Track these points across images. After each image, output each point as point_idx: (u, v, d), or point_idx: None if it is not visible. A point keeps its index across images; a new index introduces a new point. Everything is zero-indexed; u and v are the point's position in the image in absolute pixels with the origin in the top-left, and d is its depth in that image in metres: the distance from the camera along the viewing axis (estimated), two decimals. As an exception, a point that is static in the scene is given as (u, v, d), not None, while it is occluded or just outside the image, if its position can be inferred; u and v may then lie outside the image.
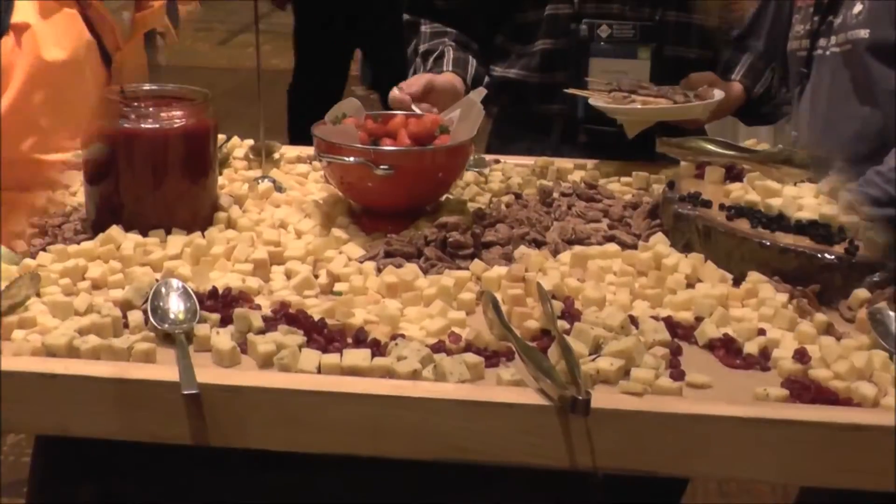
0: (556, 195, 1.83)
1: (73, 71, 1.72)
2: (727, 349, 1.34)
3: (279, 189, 1.83)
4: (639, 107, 1.90)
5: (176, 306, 1.37)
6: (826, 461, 1.17)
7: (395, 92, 1.91)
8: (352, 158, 1.63)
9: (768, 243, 1.51)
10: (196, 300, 1.38)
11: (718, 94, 1.95)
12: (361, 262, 1.55)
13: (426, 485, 1.33)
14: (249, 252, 1.55)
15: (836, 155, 1.73)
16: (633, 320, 1.38)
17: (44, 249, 1.56)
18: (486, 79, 2.12)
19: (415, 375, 1.24)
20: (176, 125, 1.61)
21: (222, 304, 1.40)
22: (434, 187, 1.73)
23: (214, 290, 1.43)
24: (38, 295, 1.42)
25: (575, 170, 1.98)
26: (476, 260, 1.55)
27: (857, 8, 1.80)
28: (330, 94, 4.28)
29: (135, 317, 1.36)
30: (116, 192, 1.62)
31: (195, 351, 1.30)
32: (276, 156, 1.98)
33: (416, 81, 1.92)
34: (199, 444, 1.21)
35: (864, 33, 1.79)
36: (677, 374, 1.27)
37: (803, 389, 1.24)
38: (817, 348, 1.33)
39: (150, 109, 1.63)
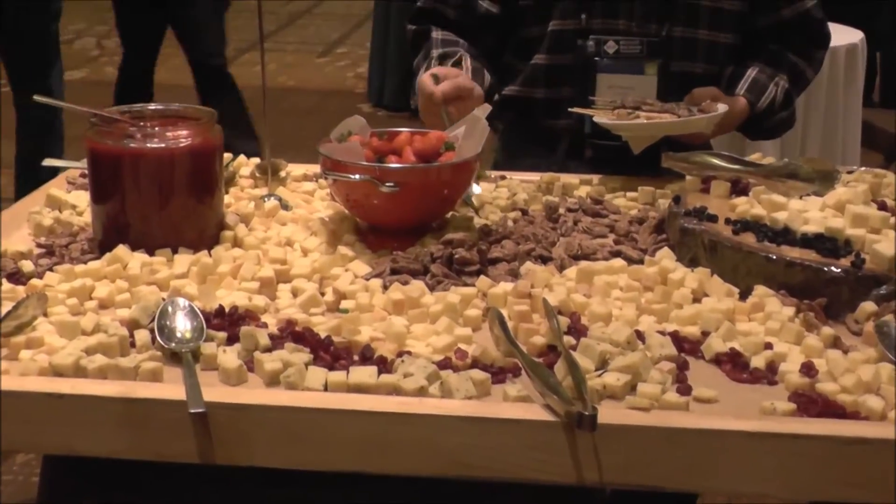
0: (562, 211, 1.83)
1: None
2: (734, 363, 1.34)
3: (285, 207, 1.83)
4: (643, 122, 1.90)
5: (182, 325, 1.37)
6: (834, 475, 1.16)
7: (427, 79, 1.89)
8: (357, 176, 1.63)
9: (774, 257, 1.51)
10: (202, 319, 1.38)
11: (722, 107, 1.95)
12: (367, 280, 1.55)
13: (431, 501, 1.33)
14: (256, 270, 1.55)
15: None
16: (640, 335, 1.38)
17: (51, 269, 1.56)
18: (496, 97, 2.11)
19: (421, 392, 1.24)
20: (182, 144, 1.62)
21: (229, 322, 1.40)
22: (439, 204, 1.73)
23: (221, 308, 1.43)
24: (45, 315, 1.42)
25: (581, 185, 1.98)
26: (482, 276, 1.55)
27: None
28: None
29: (141, 336, 1.36)
30: (123, 212, 1.62)
31: (202, 369, 1.31)
32: (283, 174, 1.98)
33: (455, 79, 1.90)
34: (205, 463, 1.21)
35: None
36: (684, 389, 1.27)
37: (810, 403, 1.24)
38: (824, 362, 1.32)
39: (156, 129, 1.64)
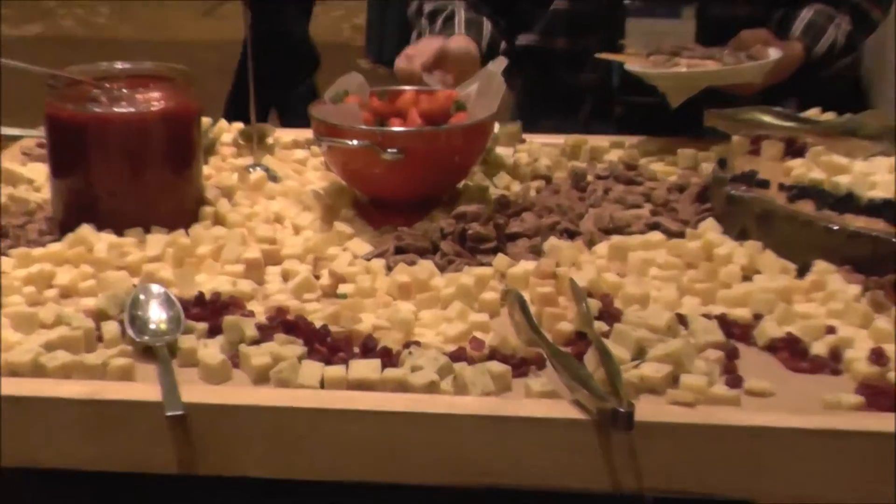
0: (590, 178, 1.83)
1: None
2: (791, 351, 1.33)
3: (273, 178, 1.83)
4: (683, 70, 1.89)
5: (157, 315, 1.37)
6: (908, 477, 1.16)
7: (401, 62, 1.90)
8: (355, 142, 1.63)
9: (836, 228, 1.50)
10: (180, 308, 1.38)
11: (775, 53, 1.93)
12: (369, 260, 1.55)
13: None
14: (241, 251, 1.55)
15: None
16: (682, 319, 1.37)
17: (5, 254, 1.56)
18: (503, 45, 2.11)
19: (432, 388, 1.24)
20: (154, 108, 1.62)
21: (210, 311, 1.40)
22: (450, 173, 1.73)
23: (201, 295, 1.43)
24: (-1, 306, 1.42)
25: (611, 148, 1.98)
26: (500, 254, 1.55)
27: None
28: None
29: (110, 328, 1.36)
30: (87, 187, 1.62)
31: (180, 366, 1.30)
32: (270, 140, 1.98)
33: (425, 49, 1.90)
34: (186, 473, 1.21)
35: None
36: (734, 381, 1.26)
37: (881, 395, 1.23)
38: (896, 347, 1.32)
39: (125, 91, 1.63)
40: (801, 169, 1.63)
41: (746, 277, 1.49)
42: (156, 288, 1.41)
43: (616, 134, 2.03)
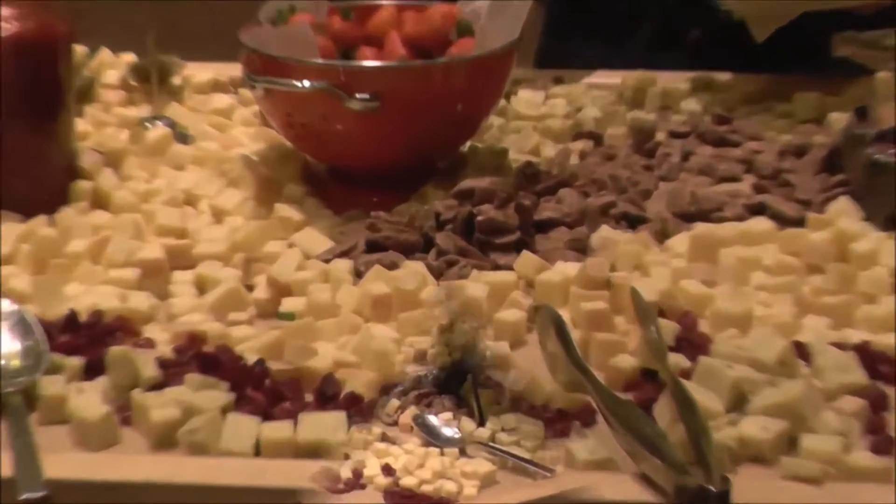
0: (660, 137, 1.84)
1: None
2: (968, 398, 1.33)
3: (183, 138, 1.84)
4: None
5: (6, 346, 1.36)
6: None
7: None
8: (307, 83, 1.64)
9: None
10: (42, 335, 1.37)
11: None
12: (328, 262, 1.55)
13: None
14: (133, 249, 1.55)
15: None
16: (802, 351, 1.37)
17: None
18: None
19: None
20: (3, 34, 1.62)
21: (87, 339, 1.40)
22: (450, 129, 1.74)
23: (73, 315, 1.43)
24: None
25: (693, 91, 1.98)
26: (525, 252, 1.55)
27: None
28: None
29: (-65, 366, 1.35)
30: None
31: (41, 423, 1.30)
32: (177, 81, 1.98)
33: None
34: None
35: None
36: (882, 444, 1.25)
37: None
38: None
39: (-42, 8, 1.64)
40: (980, 122, 1.64)
41: (899, 286, 1.50)
42: (4, 305, 1.40)
43: (695, 69, 2.03)
